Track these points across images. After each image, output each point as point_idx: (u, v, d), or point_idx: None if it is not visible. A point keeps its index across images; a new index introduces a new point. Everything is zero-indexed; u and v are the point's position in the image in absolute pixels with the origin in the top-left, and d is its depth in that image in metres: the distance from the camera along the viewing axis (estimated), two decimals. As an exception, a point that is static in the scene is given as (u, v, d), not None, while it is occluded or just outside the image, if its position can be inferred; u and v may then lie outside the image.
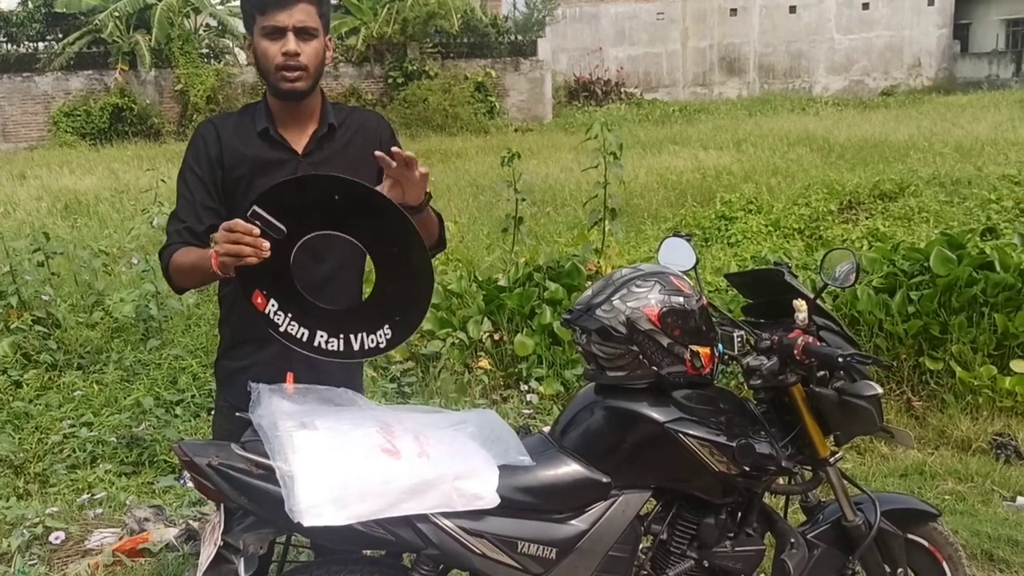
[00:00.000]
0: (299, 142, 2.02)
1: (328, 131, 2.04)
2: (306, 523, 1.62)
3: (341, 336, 1.83)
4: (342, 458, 1.71)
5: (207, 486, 1.73)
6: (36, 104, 22.31)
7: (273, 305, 1.80)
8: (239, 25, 21.91)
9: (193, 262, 1.90)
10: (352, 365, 2.16)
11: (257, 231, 1.68)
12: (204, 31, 22.68)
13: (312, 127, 2.04)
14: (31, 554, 3.15)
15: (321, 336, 1.82)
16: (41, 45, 23.53)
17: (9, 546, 3.14)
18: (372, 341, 1.83)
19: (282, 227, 1.72)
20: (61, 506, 3.49)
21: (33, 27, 23.29)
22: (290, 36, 1.90)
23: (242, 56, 21.84)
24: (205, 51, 22.28)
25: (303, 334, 1.82)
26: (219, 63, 21.80)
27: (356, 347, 1.83)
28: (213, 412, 2.25)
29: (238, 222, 1.68)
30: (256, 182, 1.96)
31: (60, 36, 22.98)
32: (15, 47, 23.21)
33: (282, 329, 1.81)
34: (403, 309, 1.81)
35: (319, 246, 1.82)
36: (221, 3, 22.68)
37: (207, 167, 2.00)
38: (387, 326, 1.81)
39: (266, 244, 1.68)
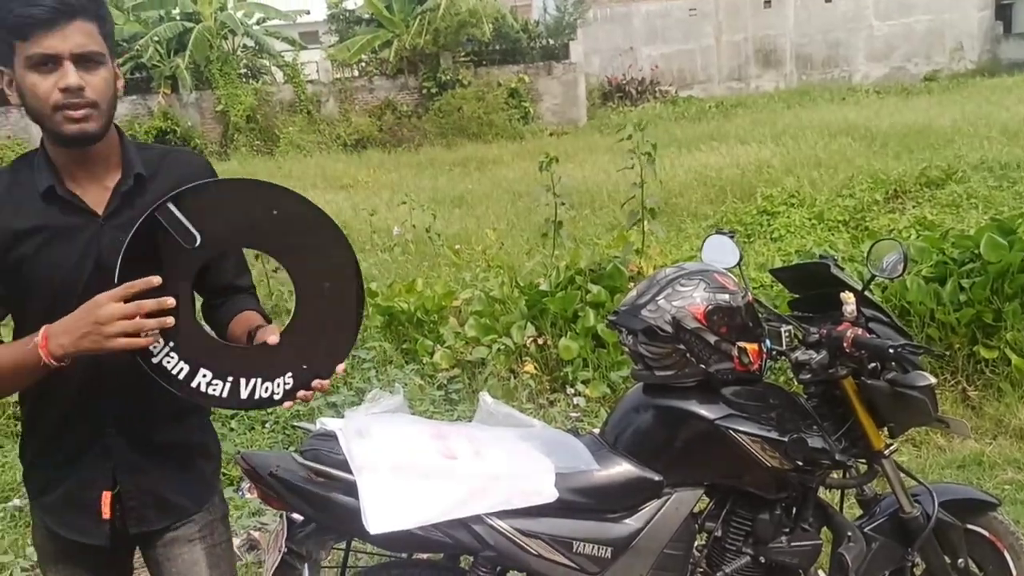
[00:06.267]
0: (98, 201, 1.56)
1: (135, 183, 1.58)
2: (373, 530, 1.67)
3: (229, 379, 1.51)
4: (403, 463, 1.75)
5: (269, 495, 1.79)
6: (84, 131, 22.95)
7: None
8: (276, 44, 22.24)
9: (9, 362, 1.47)
10: (207, 472, 1.73)
11: (172, 301, 1.41)
12: (242, 51, 23.11)
13: (112, 179, 1.58)
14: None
15: (203, 375, 1.49)
16: (87, 74, 24.18)
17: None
18: (266, 390, 1.52)
19: (196, 233, 1.45)
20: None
21: (78, 57, 23.96)
22: (68, 66, 1.46)
23: (279, 74, 22.10)
24: (244, 71, 22.70)
25: (182, 370, 1.48)
26: (257, 82, 22.20)
27: (244, 395, 1.52)
28: (31, 526, 1.80)
29: (139, 284, 1.38)
30: (44, 255, 1.52)
31: (104, 64, 23.58)
32: (62, 78, 23.92)
33: (155, 360, 1.47)
34: (316, 358, 1.53)
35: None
36: (258, 24, 23.11)
37: None
38: (289, 374, 1.52)
39: (171, 301, 1.41)
